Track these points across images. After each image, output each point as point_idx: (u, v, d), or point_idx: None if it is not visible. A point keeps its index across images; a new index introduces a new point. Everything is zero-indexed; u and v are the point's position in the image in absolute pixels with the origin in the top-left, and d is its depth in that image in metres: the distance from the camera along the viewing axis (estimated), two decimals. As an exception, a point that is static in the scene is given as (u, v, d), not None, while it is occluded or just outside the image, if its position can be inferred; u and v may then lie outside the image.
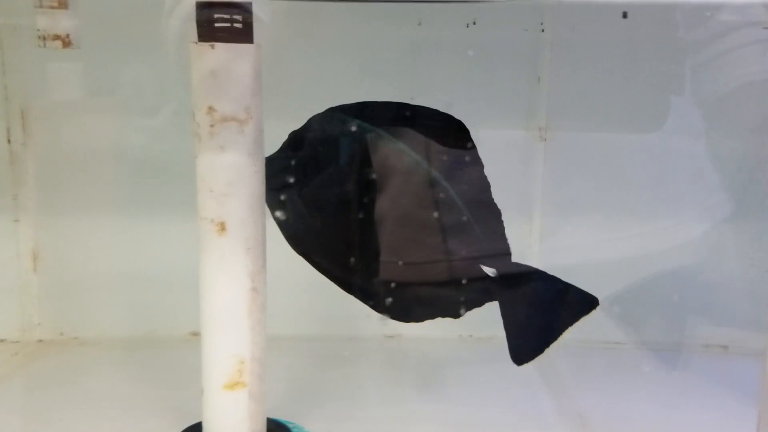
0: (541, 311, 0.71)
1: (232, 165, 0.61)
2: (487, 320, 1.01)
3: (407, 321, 0.70)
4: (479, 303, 0.70)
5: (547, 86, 0.93)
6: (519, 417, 0.78)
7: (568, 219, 0.97)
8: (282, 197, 0.70)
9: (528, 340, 0.70)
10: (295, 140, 0.71)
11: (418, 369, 0.91)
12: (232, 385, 0.63)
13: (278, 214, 0.70)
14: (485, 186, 0.69)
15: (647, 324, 1.00)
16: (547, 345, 0.71)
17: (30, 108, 0.90)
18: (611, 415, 0.79)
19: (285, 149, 0.71)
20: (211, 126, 0.61)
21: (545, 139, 0.94)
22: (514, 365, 0.72)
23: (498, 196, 0.70)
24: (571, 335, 1.00)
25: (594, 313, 0.90)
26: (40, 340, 0.95)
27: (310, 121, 0.71)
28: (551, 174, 0.96)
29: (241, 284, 0.63)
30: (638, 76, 0.92)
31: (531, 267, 0.70)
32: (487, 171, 0.70)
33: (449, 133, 0.68)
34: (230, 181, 0.61)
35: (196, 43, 0.60)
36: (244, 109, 0.61)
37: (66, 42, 0.69)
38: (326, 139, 0.69)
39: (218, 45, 0.59)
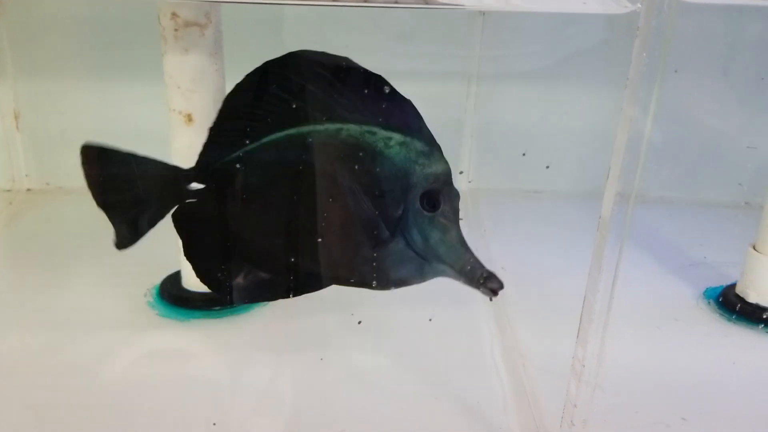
0: None
1: (196, 65, 0.71)
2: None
3: None
4: None
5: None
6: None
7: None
8: None
9: None
10: None
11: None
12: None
13: None
14: None
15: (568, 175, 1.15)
16: None
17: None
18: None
19: None
20: (176, 30, 0.69)
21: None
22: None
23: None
24: (496, 185, 1.16)
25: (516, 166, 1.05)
26: (29, 190, 1.07)
27: None
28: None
29: (207, 165, 0.75)
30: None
31: None
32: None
33: None
34: (194, 79, 0.71)
35: (158, -46, 0.67)
36: (204, 14, 0.69)
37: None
38: None
39: (178, -42, 0.66)
